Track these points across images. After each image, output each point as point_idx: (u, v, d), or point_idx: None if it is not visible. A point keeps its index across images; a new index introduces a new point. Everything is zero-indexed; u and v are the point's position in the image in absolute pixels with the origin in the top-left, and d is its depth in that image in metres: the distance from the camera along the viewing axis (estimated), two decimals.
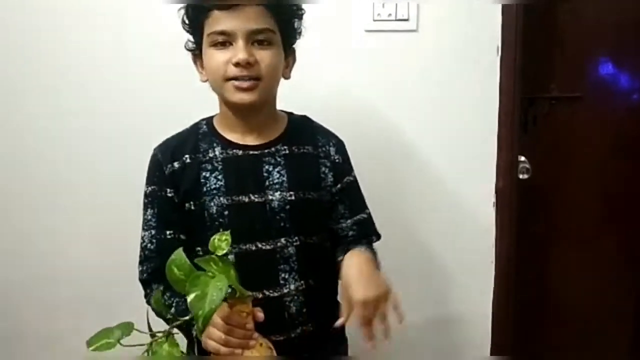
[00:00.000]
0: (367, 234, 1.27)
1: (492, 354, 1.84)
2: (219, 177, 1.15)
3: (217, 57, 1.10)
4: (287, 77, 1.19)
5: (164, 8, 1.42)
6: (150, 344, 0.98)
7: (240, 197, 1.15)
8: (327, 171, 1.21)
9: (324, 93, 1.59)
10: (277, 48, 1.12)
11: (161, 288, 1.09)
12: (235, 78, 1.09)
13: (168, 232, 1.18)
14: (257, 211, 1.15)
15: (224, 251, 0.93)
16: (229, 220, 1.14)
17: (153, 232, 1.18)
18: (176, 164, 1.17)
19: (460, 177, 1.69)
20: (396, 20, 1.58)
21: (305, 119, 1.27)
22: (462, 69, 1.65)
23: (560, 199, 1.90)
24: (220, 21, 1.08)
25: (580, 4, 1.80)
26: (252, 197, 1.15)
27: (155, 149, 1.21)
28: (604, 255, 1.89)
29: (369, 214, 1.29)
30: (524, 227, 1.83)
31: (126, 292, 1.23)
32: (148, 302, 1.18)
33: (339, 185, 1.22)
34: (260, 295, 1.14)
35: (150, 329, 1.00)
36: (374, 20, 1.59)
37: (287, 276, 1.16)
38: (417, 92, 1.66)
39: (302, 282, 1.18)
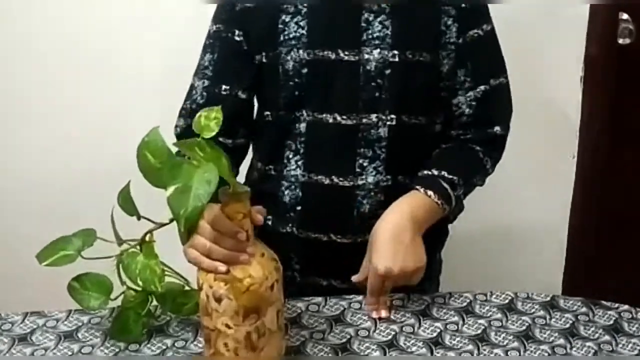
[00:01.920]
0: (488, 117, 1.06)
1: (566, 267, 1.80)
2: (301, 23, 1.00)
3: None
4: None
5: None
6: (121, 254, 0.90)
7: (326, 53, 0.99)
8: (450, 22, 1.00)
9: None
10: None
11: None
12: None
13: (224, 87, 1.05)
14: (345, 73, 0.99)
15: (213, 132, 0.77)
16: (306, 81, 1.01)
17: (207, 82, 1.06)
18: (252, 1, 1.03)
19: (539, 41, 1.48)
20: None
21: None
22: None
23: None
24: None
25: None
26: (342, 54, 0.99)
27: None
28: None
29: (502, 86, 1.07)
30: (617, 111, 1.63)
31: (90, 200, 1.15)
32: None
33: (461, 40, 1.01)
34: (327, 181, 1.03)
35: (118, 237, 0.90)
36: None
37: (366, 164, 1.02)
38: None
39: (387, 176, 1.03)
